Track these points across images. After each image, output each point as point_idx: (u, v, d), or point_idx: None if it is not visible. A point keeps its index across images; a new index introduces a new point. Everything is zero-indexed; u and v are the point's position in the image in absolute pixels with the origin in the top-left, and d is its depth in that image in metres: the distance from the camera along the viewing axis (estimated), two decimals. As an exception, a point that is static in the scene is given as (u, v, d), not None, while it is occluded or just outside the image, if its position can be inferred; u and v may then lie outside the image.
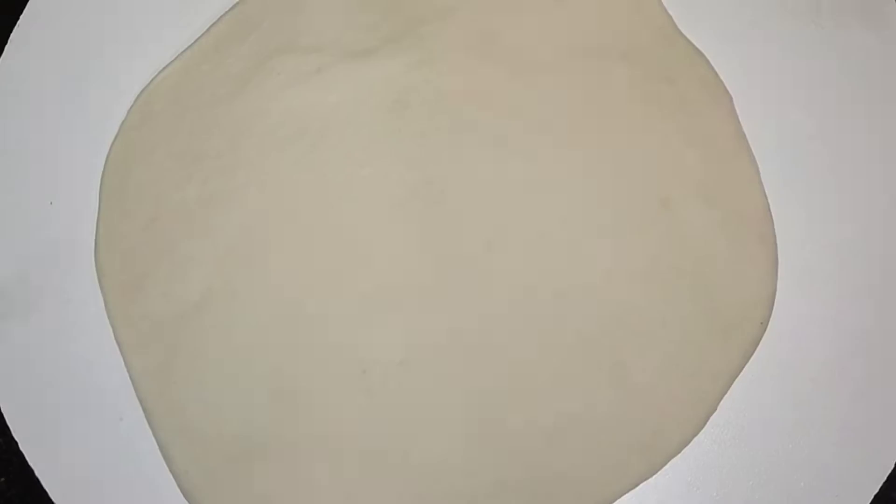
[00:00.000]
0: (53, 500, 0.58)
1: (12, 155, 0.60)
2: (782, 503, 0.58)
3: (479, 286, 0.59)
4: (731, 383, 0.58)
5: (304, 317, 0.59)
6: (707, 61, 0.61)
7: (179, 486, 0.58)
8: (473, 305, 0.59)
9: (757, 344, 0.58)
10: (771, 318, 0.59)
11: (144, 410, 0.58)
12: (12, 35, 0.61)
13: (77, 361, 0.59)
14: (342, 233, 0.59)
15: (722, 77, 0.61)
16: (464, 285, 0.59)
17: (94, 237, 0.60)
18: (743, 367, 0.58)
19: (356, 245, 0.59)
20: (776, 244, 0.59)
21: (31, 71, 0.61)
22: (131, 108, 0.61)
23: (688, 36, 0.61)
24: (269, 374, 0.58)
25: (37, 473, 0.58)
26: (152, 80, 0.61)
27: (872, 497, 0.57)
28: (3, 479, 0.60)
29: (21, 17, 0.61)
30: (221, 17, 0.62)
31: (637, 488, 0.58)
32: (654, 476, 0.58)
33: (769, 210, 0.59)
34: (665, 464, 0.58)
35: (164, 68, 0.61)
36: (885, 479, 0.57)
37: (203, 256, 0.59)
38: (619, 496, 0.57)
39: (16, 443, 0.58)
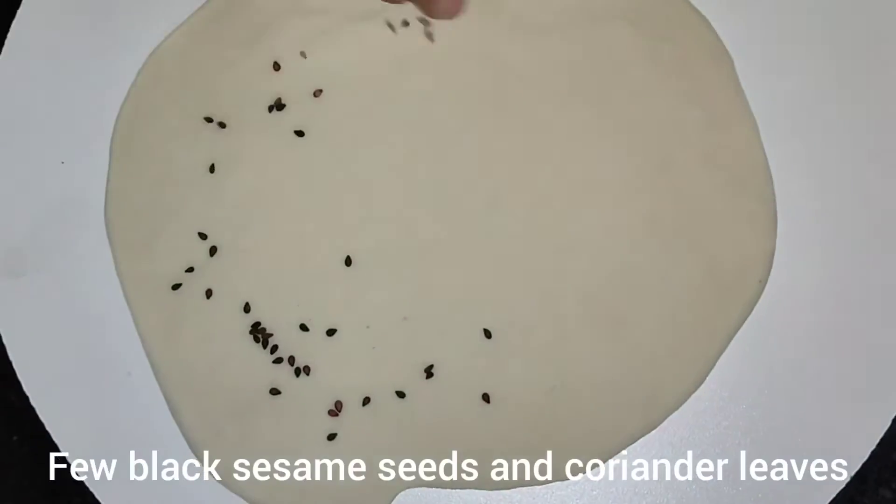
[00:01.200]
0: (64, 454, 0.59)
1: (24, 115, 0.61)
2: (780, 460, 0.58)
3: (480, 243, 0.60)
4: (730, 341, 0.59)
5: (309, 275, 0.60)
6: (709, 24, 0.61)
7: (186, 438, 0.59)
8: (474, 263, 0.59)
9: (755, 302, 0.59)
10: (769, 277, 0.59)
11: (152, 365, 0.59)
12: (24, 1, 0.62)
13: (87, 318, 0.60)
14: (346, 193, 0.60)
15: (723, 40, 0.61)
16: (465, 243, 0.60)
17: (104, 196, 0.61)
18: (741, 325, 0.59)
19: (359, 204, 0.60)
20: (775, 204, 0.60)
21: (42, 32, 0.61)
22: (141, 69, 0.61)
23: (691, 1, 0.61)
24: (273, 331, 0.59)
25: (48, 428, 0.59)
26: (162, 42, 0.62)
27: (869, 453, 0.58)
28: (15, 438, 0.61)
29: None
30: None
31: (636, 443, 0.58)
32: (653, 431, 0.58)
33: (769, 170, 0.60)
34: (663, 420, 0.58)
35: (174, 31, 0.62)
36: (881, 435, 0.58)
37: (210, 216, 0.60)
38: (618, 451, 0.58)
39: (27, 398, 0.59)
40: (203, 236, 0.60)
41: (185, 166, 0.61)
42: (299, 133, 0.60)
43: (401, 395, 0.59)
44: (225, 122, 0.61)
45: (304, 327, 0.59)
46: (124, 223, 0.60)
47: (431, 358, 0.59)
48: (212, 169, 0.61)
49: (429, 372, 0.59)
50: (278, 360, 0.59)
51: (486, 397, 0.58)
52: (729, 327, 0.59)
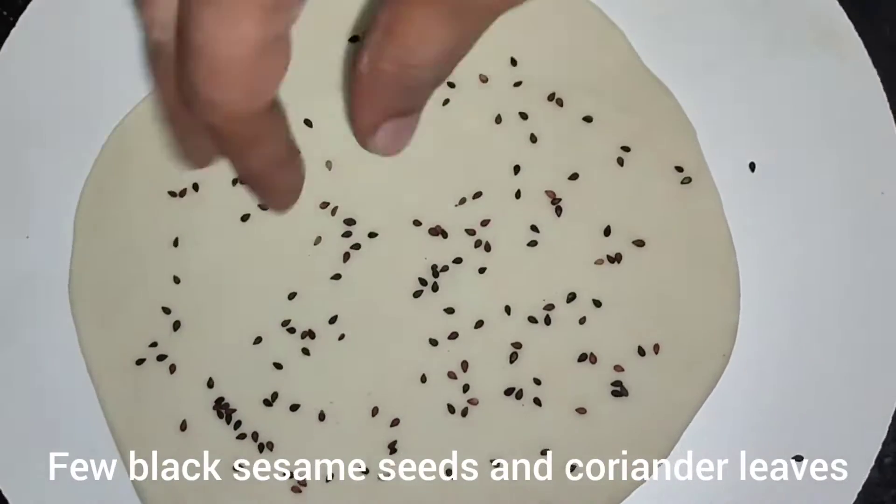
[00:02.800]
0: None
1: (-11, 188, 0.61)
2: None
3: (443, 318, 0.60)
4: (693, 415, 0.59)
5: (272, 351, 0.60)
6: (672, 95, 0.61)
7: (148, 518, 0.59)
8: (437, 337, 0.59)
9: (719, 377, 0.59)
10: (733, 351, 0.59)
11: (117, 443, 0.59)
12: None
13: (51, 393, 0.60)
14: (311, 268, 0.60)
15: (686, 110, 0.61)
16: (428, 318, 0.60)
17: (67, 270, 0.61)
18: (705, 400, 0.59)
19: (324, 280, 0.60)
20: (738, 277, 0.59)
21: (6, 105, 0.62)
22: (105, 144, 0.62)
23: (652, 70, 0.61)
24: (236, 406, 0.59)
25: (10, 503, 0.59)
26: (125, 116, 0.62)
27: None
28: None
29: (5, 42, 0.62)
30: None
31: (600, 519, 0.58)
32: (618, 506, 0.58)
33: (732, 243, 0.60)
34: (628, 495, 0.58)
35: (138, 105, 0.62)
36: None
37: (174, 290, 0.60)
38: (582, 527, 0.58)
39: (-8, 474, 0.59)
40: (167, 310, 0.60)
41: (149, 240, 0.61)
42: (263, 207, 0.60)
43: (364, 471, 0.58)
44: (189, 196, 0.61)
45: (267, 402, 0.59)
46: (88, 298, 0.60)
47: (395, 433, 0.59)
48: (175, 243, 0.61)
49: (392, 447, 0.59)
50: (241, 436, 0.59)
51: (449, 471, 0.58)
52: (692, 402, 0.59)
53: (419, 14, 0.36)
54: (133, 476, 0.59)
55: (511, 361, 0.59)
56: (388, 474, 0.58)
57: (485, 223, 0.60)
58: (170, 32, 0.39)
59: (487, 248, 0.60)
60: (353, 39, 0.62)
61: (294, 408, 0.59)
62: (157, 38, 0.41)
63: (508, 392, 0.59)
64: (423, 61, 0.37)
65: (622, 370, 0.59)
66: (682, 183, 0.60)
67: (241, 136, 0.39)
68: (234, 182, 0.61)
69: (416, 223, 0.60)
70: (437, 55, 0.37)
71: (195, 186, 0.61)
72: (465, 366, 0.59)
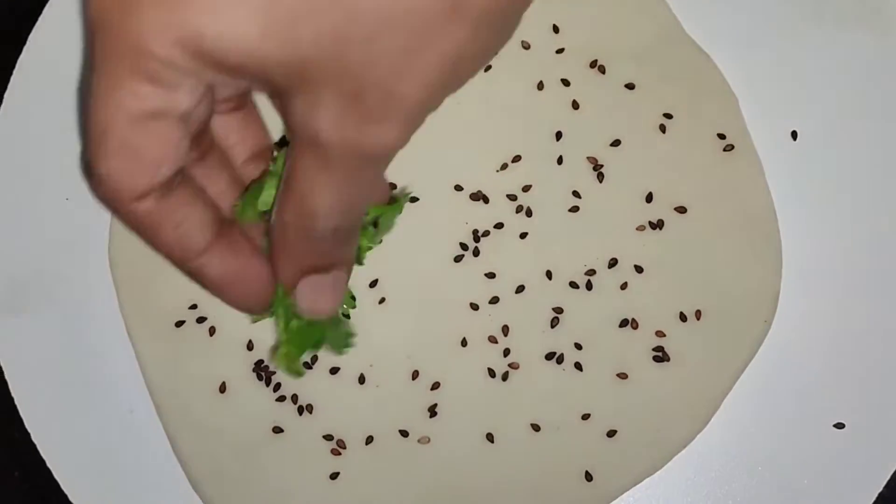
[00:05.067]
0: (66, 491, 0.59)
1: (29, 152, 0.61)
2: (785, 501, 0.58)
3: (483, 283, 0.60)
4: (735, 381, 0.59)
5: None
6: (713, 63, 0.61)
7: (187, 475, 0.59)
8: (477, 302, 0.59)
9: (761, 342, 0.59)
10: (775, 317, 0.59)
11: (154, 403, 0.59)
12: (32, 34, 0.62)
13: (90, 354, 0.60)
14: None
15: (728, 79, 0.61)
16: (467, 281, 0.60)
17: (107, 233, 0.61)
18: (747, 366, 0.59)
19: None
20: (780, 244, 0.59)
21: (50, 68, 0.62)
22: (146, 106, 0.62)
23: (694, 38, 0.61)
24: (276, 369, 0.59)
25: (49, 465, 0.59)
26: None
27: (876, 496, 0.57)
28: (16, 474, 0.60)
29: (41, 16, 0.62)
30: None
31: (640, 485, 0.58)
32: (658, 473, 0.58)
33: (774, 210, 0.60)
34: (669, 460, 0.58)
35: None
36: (888, 477, 0.57)
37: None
38: (624, 491, 0.58)
39: (29, 434, 0.59)
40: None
41: (190, 203, 0.61)
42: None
43: (404, 434, 0.58)
44: (229, 159, 0.61)
45: (307, 365, 0.59)
46: (128, 260, 0.60)
47: (435, 397, 0.59)
48: (216, 206, 0.61)
49: (432, 411, 0.58)
50: (281, 399, 0.59)
51: (489, 437, 0.58)
52: (734, 368, 0.59)
53: (305, 165, 0.36)
54: (172, 438, 0.59)
55: (552, 326, 0.59)
56: (427, 437, 0.58)
57: (526, 189, 0.60)
58: None
59: (529, 213, 0.60)
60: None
61: (334, 371, 0.59)
62: None
63: (549, 357, 0.59)
64: (317, 212, 0.38)
65: (664, 336, 0.59)
66: (724, 150, 0.60)
67: (134, 216, 0.39)
68: (277, 145, 0.61)
69: (458, 188, 0.60)
70: (330, 205, 0.37)
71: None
72: (505, 330, 0.59)
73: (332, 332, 0.46)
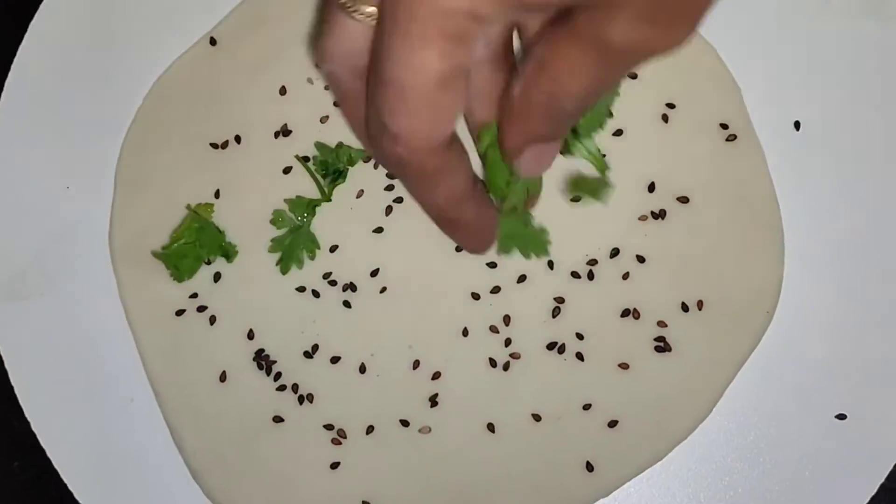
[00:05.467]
0: (65, 480, 0.59)
1: (30, 140, 0.61)
2: (787, 492, 0.58)
3: (487, 272, 0.59)
4: (737, 372, 0.58)
5: (313, 302, 0.59)
6: (716, 53, 0.61)
7: (187, 465, 0.59)
8: (479, 291, 0.59)
9: (763, 333, 0.59)
10: (777, 308, 0.59)
11: (155, 392, 0.59)
12: (32, 22, 0.62)
13: (90, 343, 0.60)
14: (352, 219, 0.60)
15: (731, 69, 0.61)
16: (471, 271, 0.59)
17: (108, 221, 0.61)
18: (748, 357, 0.59)
19: (365, 230, 0.60)
20: (783, 234, 0.59)
21: (49, 58, 0.62)
22: (148, 93, 0.61)
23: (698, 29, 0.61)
24: (276, 358, 0.59)
25: (49, 454, 0.59)
26: (168, 67, 0.62)
27: (878, 487, 0.57)
28: (16, 464, 0.60)
29: (41, 5, 0.62)
30: (237, 5, 0.62)
31: (642, 475, 0.58)
32: (659, 463, 0.58)
33: (776, 200, 0.60)
34: (670, 451, 0.58)
35: (180, 56, 0.62)
36: (890, 468, 0.57)
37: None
38: (625, 482, 0.58)
39: (28, 423, 0.59)
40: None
41: (191, 191, 0.61)
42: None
43: (405, 423, 0.58)
44: (231, 148, 0.61)
45: (307, 354, 0.59)
46: (129, 249, 0.60)
47: (436, 386, 0.59)
48: (217, 194, 0.60)
49: (433, 401, 0.58)
50: (282, 388, 0.59)
51: (490, 427, 0.58)
52: (736, 358, 0.58)
53: (571, 52, 0.38)
54: (172, 427, 0.59)
55: (553, 316, 0.59)
56: (428, 427, 0.58)
57: (528, 178, 0.60)
58: (349, 73, 0.43)
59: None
60: None
61: (335, 360, 0.59)
62: (343, 85, 0.44)
63: (551, 347, 0.59)
64: (570, 93, 0.40)
65: (665, 326, 0.59)
66: (726, 140, 0.60)
67: (423, 169, 0.42)
68: (276, 135, 0.61)
69: (460, 176, 0.60)
70: (584, 89, 0.40)
71: (237, 138, 0.61)
72: (507, 320, 0.59)
73: (534, 233, 0.50)
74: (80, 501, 0.58)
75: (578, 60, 0.38)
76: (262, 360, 0.59)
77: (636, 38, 0.37)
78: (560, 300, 0.59)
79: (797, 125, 0.61)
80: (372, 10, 0.41)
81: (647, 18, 0.37)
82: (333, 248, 0.60)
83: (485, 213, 0.48)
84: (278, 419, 0.58)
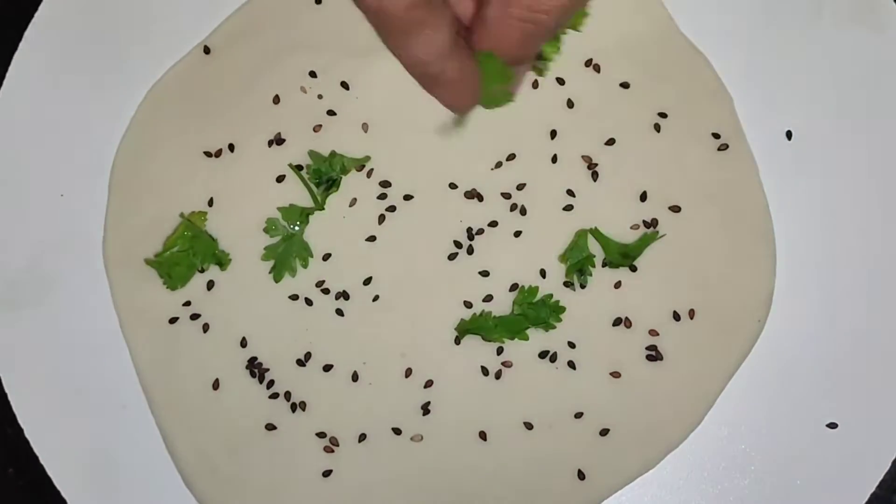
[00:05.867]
0: (59, 487, 0.59)
1: (25, 148, 0.61)
2: (778, 500, 0.58)
3: (479, 281, 0.60)
4: (728, 380, 0.59)
5: (306, 311, 0.60)
6: (709, 63, 0.61)
7: (180, 472, 0.59)
8: (472, 300, 0.60)
9: (754, 341, 0.59)
10: (768, 316, 0.59)
11: (148, 399, 0.59)
12: (27, 31, 0.62)
13: (84, 351, 0.60)
14: (344, 227, 0.60)
15: (723, 78, 0.61)
16: (463, 279, 0.60)
17: (102, 229, 0.61)
18: (740, 365, 0.59)
19: (358, 239, 0.60)
20: (774, 243, 0.59)
21: (43, 66, 0.62)
22: (142, 102, 0.62)
23: (689, 38, 0.61)
24: (269, 366, 0.59)
25: (42, 461, 0.59)
26: (162, 76, 0.62)
27: (869, 495, 0.57)
28: (10, 470, 0.60)
29: (36, 14, 0.62)
30: (231, 14, 0.62)
31: (635, 482, 0.58)
32: (650, 471, 0.58)
33: (768, 209, 0.60)
34: (662, 459, 0.58)
35: (176, 64, 0.62)
36: (881, 477, 0.57)
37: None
38: (616, 490, 0.58)
39: (22, 431, 0.59)
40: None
41: (184, 200, 0.61)
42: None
43: (397, 431, 0.58)
44: (224, 156, 0.61)
45: (300, 362, 0.59)
46: (122, 257, 0.60)
47: (428, 395, 0.59)
48: (210, 202, 0.61)
49: (425, 409, 0.58)
50: (274, 396, 0.59)
51: (482, 435, 0.58)
52: (727, 367, 0.59)
53: None
54: (164, 434, 0.59)
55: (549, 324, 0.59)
56: (420, 435, 0.58)
57: (520, 187, 0.60)
58: None
59: (523, 211, 0.60)
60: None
61: (327, 368, 0.59)
62: None
63: (543, 355, 0.59)
64: (549, 8, 0.41)
65: (657, 335, 0.59)
66: (718, 149, 0.60)
67: (402, 21, 0.43)
68: (270, 143, 0.61)
69: (452, 186, 0.60)
70: (562, 3, 0.41)
71: (231, 147, 0.61)
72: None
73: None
74: (73, 508, 0.58)
75: None
76: (255, 368, 0.59)
77: None
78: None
79: (789, 134, 0.61)
80: None
81: None
82: (326, 257, 0.60)
83: (467, 69, 0.46)
84: (271, 427, 0.59)
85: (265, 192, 0.61)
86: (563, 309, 0.58)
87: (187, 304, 0.60)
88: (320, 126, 0.61)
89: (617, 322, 0.59)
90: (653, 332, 0.59)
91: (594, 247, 0.59)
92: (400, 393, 0.59)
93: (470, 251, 0.60)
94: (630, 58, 0.61)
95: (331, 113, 0.61)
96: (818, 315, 0.59)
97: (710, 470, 0.58)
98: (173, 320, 0.60)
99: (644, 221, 0.60)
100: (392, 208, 0.60)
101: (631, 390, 0.58)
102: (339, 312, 0.59)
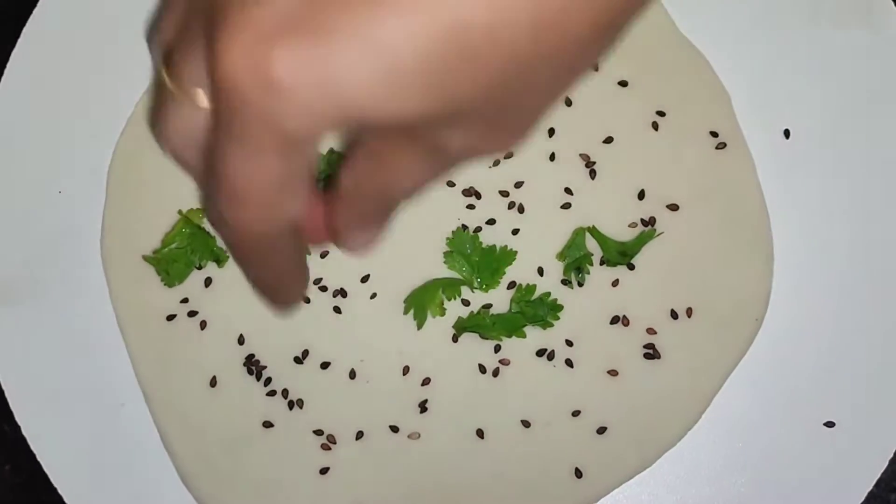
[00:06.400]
0: (56, 485, 0.59)
1: (23, 145, 0.61)
2: (775, 500, 0.58)
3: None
4: (726, 379, 0.59)
5: (303, 308, 0.59)
6: (707, 61, 0.61)
7: (178, 470, 0.59)
8: (470, 297, 0.60)
9: (752, 341, 0.59)
10: (766, 316, 0.59)
11: (145, 396, 0.59)
12: (25, 28, 0.62)
13: (81, 347, 0.60)
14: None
15: (721, 77, 0.61)
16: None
17: (101, 226, 0.61)
18: (737, 364, 0.59)
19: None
20: (772, 242, 0.59)
21: (42, 62, 0.62)
22: (140, 98, 0.62)
23: (687, 36, 0.61)
24: (266, 364, 0.59)
25: (39, 458, 0.59)
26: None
27: (866, 494, 0.57)
28: (7, 467, 0.60)
29: (34, 10, 0.62)
30: (229, 12, 0.62)
31: (630, 481, 0.58)
32: (648, 470, 0.58)
33: (766, 208, 0.60)
34: (659, 457, 0.58)
35: (172, 62, 0.62)
36: (878, 476, 0.57)
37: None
38: (613, 488, 0.58)
39: (19, 429, 0.59)
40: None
41: (183, 196, 0.61)
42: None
43: (394, 429, 0.58)
44: (222, 153, 0.61)
45: (297, 360, 0.59)
46: (120, 253, 0.60)
47: (426, 392, 0.59)
48: (208, 200, 0.61)
49: (423, 407, 0.59)
50: (272, 393, 0.59)
51: (480, 433, 0.58)
52: (725, 365, 0.59)
53: (407, 152, 0.38)
54: (162, 432, 0.59)
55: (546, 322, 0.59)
56: (418, 433, 0.58)
57: (518, 185, 0.60)
58: (192, 151, 0.41)
59: (521, 209, 0.60)
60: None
61: (325, 366, 0.59)
62: (190, 162, 0.42)
63: (540, 353, 0.59)
64: (404, 187, 0.41)
65: (654, 333, 0.59)
66: (716, 148, 0.60)
67: (257, 253, 0.42)
68: (268, 141, 0.61)
69: (450, 184, 0.60)
70: (415, 186, 0.41)
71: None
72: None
73: None
74: (70, 504, 0.58)
75: (414, 160, 0.39)
76: (253, 366, 0.59)
77: (471, 145, 0.38)
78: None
79: (787, 133, 0.61)
80: (204, 104, 0.39)
81: (482, 135, 0.37)
82: (324, 254, 0.60)
83: (301, 287, 0.48)
84: (268, 424, 0.59)
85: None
86: (560, 307, 0.59)
87: (185, 301, 0.60)
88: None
89: (614, 320, 0.59)
90: (650, 331, 0.59)
91: (592, 245, 0.60)
92: (397, 391, 0.59)
93: (468, 249, 0.60)
94: (628, 56, 0.61)
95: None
96: (816, 314, 0.59)
97: (707, 468, 0.58)
98: (171, 317, 0.60)
99: (642, 220, 0.60)
100: (390, 206, 0.60)
101: (628, 388, 0.58)
102: (337, 310, 0.60)
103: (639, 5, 0.36)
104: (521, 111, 0.37)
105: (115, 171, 0.61)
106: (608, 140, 0.60)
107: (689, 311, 0.59)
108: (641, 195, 0.60)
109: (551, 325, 0.58)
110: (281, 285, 0.47)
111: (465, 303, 0.59)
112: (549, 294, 0.59)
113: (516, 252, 0.59)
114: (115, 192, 0.61)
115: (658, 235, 0.59)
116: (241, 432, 0.59)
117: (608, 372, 0.59)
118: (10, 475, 0.60)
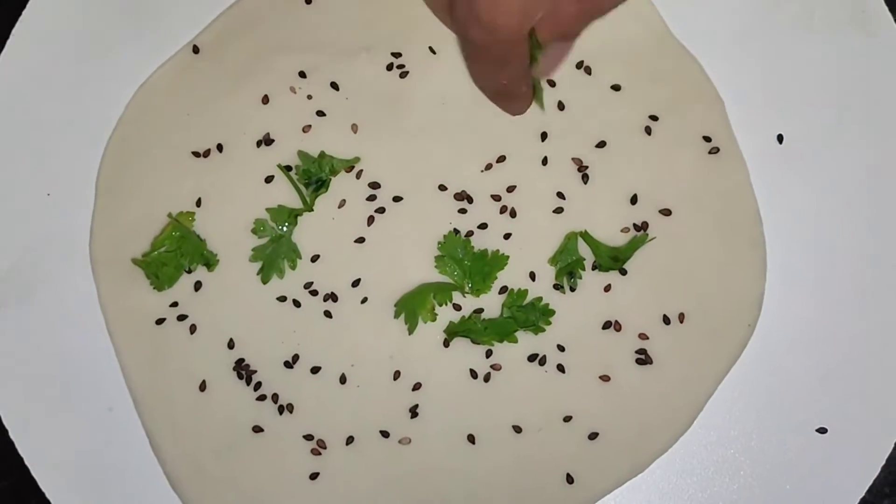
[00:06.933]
0: (43, 489, 0.58)
1: (12, 147, 0.61)
2: (768, 506, 0.58)
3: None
4: (718, 385, 0.58)
5: (294, 312, 0.59)
6: (700, 66, 0.61)
7: (166, 474, 0.58)
8: (461, 303, 0.59)
9: (744, 346, 0.59)
10: (758, 321, 0.59)
11: (134, 401, 0.59)
12: (14, 29, 0.61)
13: (69, 351, 0.60)
14: (333, 229, 0.60)
15: (714, 82, 0.61)
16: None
17: (89, 229, 0.60)
18: (730, 369, 0.59)
19: (346, 241, 0.60)
20: (765, 247, 0.59)
21: (31, 65, 0.61)
22: (130, 101, 0.61)
23: (681, 40, 0.61)
24: (257, 368, 0.59)
25: (27, 462, 0.58)
26: (150, 76, 0.61)
27: (858, 500, 0.57)
28: (-5, 471, 0.60)
29: (23, 12, 0.61)
30: (220, 14, 0.62)
31: (622, 487, 0.58)
32: (640, 475, 0.58)
33: (759, 213, 0.60)
34: (651, 463, 0.58)
35: (164, 63, 0.62)
36: (871, 482, 0.57)
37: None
38: (605, 494, 0.58)
39: (7, 432, 0.59)
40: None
41: (172, 200, 0.60)
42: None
43: (385, 434, 0.58)
44: (212, 156, 0.61)
45: (288, 364, 0.59)
46: (109, 257, 0.60)
47: (417, 397, 0.58)
48: (198, 203, 0.60)
49: (414, 412, 0.58)
50: (261, 398, 0.59)
51: (471, 438, 0.58)
52: (717, 371, 0.58)
53: None
54: (151, 436, 0.58)
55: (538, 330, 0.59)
56: (408, 438, 0.58)
57: (510, 189, 0.60)
58: None
59: (513, 214, 0.60)
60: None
61: (315, 370, 0.59)
62: None
63: (532, 358, 0.59)
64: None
65: (647, 338, 0.59)
66: (709, 153, 0.60)
67: (503, 55, 0.52)
68: (259, 143, 0.61)
69: (442, 188, 0.60)
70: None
71: (219, 147, 0.61)
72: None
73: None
74: (57, 511, 0.58)
75: None
76: (243, 370, 0.59)
77: None
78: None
79: (780, 138, 0.61)
80: None
81: None
82: (315, 258, 0.60)
83: (529, 89, 0.57)
84: (258, 429, 0.58)
85: (254, 193, 0.60)
86: (552, 312, 0.58)
87: (174, 304, 0.59)
88: (309, 126, 0.61)
89: (606, 325, 0.59)
90: (642, 336, 0.59)
91: (584, 250, 0.59)
92: (388, 395, 0.58)
93: (459, 253, 0.60)
94: (621, 60, 0.61)
95: (320, 114, 0.61)
96: (808, 319, 0.59)
97: (699, 474, 0.58)
98: (160, 321, 0.59)
99: (634, 224, 0.59)
100: (381, 210, 0.60)
101: (620, 394, 0.58)
102: (328, 314, 0.59)
103: None
104: None
105: (104, 173, 0.61)
106: (601, 144, 0.60)
107: (681, 317, 0.59)
108: (634, 200, 0.60)
109: (543, 331, 0.58)
110: (516, 87, 0.56)
111: (457, 307, 0.59)
112: (540, 299, 0.59)
113: (508, 257, 0.59)
114: (104, 195, 0.61)
115: (650, 240, 0.59)
116: (230, 437, 0.58)
117: (600, 377, 0.58)
118: (-2, 479, 0.60)
